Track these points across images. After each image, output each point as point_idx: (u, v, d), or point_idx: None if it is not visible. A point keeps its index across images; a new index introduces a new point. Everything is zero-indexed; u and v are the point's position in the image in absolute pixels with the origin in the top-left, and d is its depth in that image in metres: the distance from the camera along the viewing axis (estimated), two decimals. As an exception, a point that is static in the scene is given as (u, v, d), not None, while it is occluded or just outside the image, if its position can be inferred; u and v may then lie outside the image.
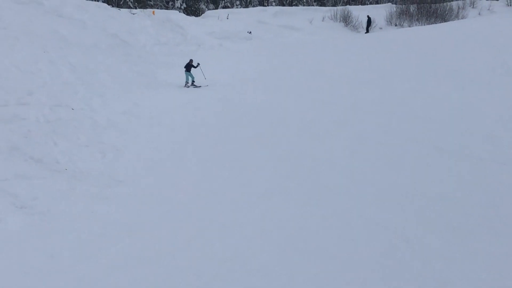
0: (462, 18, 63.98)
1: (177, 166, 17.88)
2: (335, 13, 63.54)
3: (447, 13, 66.78)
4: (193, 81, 30.25)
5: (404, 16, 66.60)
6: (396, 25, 64.02)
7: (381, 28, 61.34)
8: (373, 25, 59.13)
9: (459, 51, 31.62)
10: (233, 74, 31.30)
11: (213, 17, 60.18)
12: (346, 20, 61.51)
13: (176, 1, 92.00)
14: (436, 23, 59.88)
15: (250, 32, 51.11)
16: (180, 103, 26.27)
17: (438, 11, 67.39)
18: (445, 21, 61.74)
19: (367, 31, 54.35)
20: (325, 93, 25.90)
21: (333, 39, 47.91)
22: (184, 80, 30.36)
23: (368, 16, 56.39)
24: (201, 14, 75.69)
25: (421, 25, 62.23)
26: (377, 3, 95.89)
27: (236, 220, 13.36)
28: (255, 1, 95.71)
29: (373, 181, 14.74)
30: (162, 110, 24.88)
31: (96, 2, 48.85)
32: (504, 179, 13.75)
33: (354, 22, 59.47)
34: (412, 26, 62.19)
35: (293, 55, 38.28)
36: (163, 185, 16.20)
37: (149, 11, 56.01)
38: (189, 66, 30.31)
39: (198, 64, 30.41)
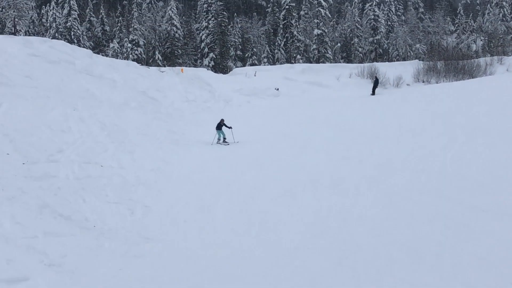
0: (490, 75, 63.78)
1: (205, 224, 17.75)
2: (362, 70, 63.83)
3: (475, 70, 66.69)
4: (224, 138, 30.61)
5: (432, 72, 66.63)
6: (423, 82, 64.04)
7: (408, 85, 61.38)
8: (400, 81, 58.84)
9: (488, 107, 31.40)
10: (261, 131, 31.38)
11: (240, 74, 60.81)
12: (373, 76, 61.68)
13: (204, 59, 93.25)
14: (464, 80, 59.70)
15: (278, 89, 51.45)
16: (209, 160, 26.33)
17: (466, 67, 67.33)
18: (473, 77, 61.58)
19: (373, 92, 49.87)
20: (354, 150, 25.76)
21: (360, 95, 47.94)
22: (216, 137, 30.68)
23: (376, 77, 53.49)
24: (229, 72, 76.61)
25: (449, 81, 62.08)
26: (404, 59, 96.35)
27: (266, 276, 13.14)
28: (282, 59, 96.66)
29: (404, 240, 14.44)
30: (191, 167, 24.93)
31: (126, 61, 49.74)
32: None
33: (381, 79, 59.58)
34: (440, 82, 62.10)
35: (321, 112, 38.32)
36: (192, 243, 16.07)
37: (177, 69, 56.81)
38: (220, 125, 30.69)
39: (231, 127, 30.79)
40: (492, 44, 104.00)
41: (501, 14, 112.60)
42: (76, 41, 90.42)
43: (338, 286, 12.43)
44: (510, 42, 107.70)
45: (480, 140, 23.97)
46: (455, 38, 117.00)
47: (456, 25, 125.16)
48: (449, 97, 35.39)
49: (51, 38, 70.64)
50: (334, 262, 13.59)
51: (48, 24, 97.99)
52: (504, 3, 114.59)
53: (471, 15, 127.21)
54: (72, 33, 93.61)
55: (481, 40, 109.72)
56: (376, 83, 50.48)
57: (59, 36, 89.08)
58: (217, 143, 30.25)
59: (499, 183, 17.85)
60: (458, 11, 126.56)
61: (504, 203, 16.04)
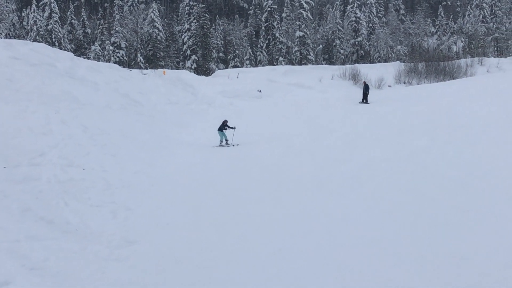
0: (470, 76, 64.37)
1: (190, 226, 17.68)
2: (344, 72, 64.24)
3: (456, 71, 67.30)
4: (226, 141, 30.70)
5: (413, 74, 67.16)
6: (405, 83, 64.48)
7: (390, 86, 61.75)
8: (381, 83, 58.82)
9: (468, 107, 31.62)
10: (244, 133, 31.36)
11: (223, 77, 60.90)
12: (355, 78, 62.13)
13: (186, 61, 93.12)
14: (444, 81, 60.18)
15: (260, 91, 51.50)
16: (193, 162, 26.27)
17: (447, 68, 67.90)
18: (453, 79, 62.10)
19: (365, 100, 44.26)
20: (337, 151, 25.83)
21: (342, 96, 48.05)
22: (218, 139, 30.95)
23: (364, 83, 46.79)
24: (212, 74, 76.61)
25: (430, 82, 62.51)
26: (385, 61, 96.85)
27: (251, 278, 13.09)
28: (265, 61, 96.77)
29: (388, 241, 14.45)
30: (174, 169, 24.85)
31: (108, 64, 49.62)
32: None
33: (363, 80, 59.81)
34: (421, 83, 62.53)
35: (304, 113, 38.41)
36: (176, 245, 15.97)
37: (160, 71, 56.79)
38: (223, 126, 30.90)
39: (234, 127, 31.04)
40: (472, 45, 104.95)
41: (481, 16, 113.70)
42: (57, 44, 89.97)
43: (322, 287, 12.41)
44: (490, 44, 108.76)
45: (461, 140, 24.11)
46: (436, 39, 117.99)
47: (437, 27, 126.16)
48: (430, 98, 35.54)
49: (32, 41, 70.22)
50: (319, 263, 13.54)
51: (29, 27, 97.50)
52: (484, 4, 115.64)
53: (451, 16, 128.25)
54: (53, 35, 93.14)
55: (462, 42, 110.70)
56: (366, 89, 44.60)
57: (40, 39, 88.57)
58: (219, 145, 30.31)
59: (480, 183, 17.94)
60: (438, 13, 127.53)
61: (485, 203, 16.11)
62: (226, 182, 22.72)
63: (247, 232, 16.51)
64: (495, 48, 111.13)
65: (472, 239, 13.66)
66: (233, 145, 29.79)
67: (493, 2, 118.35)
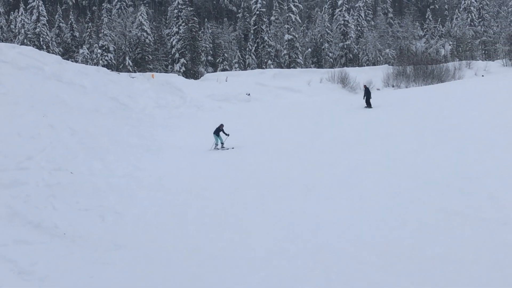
0: (458, 79, 64.65)
1: (178, 230, 17.67)
2: (333, 75, 64.33)
3: (444, 74, 67.56)
4: (222, 144, 30.40)
5: (401, 77, 67.39)
6: (393, 86, 64.70)
7: (378, 89, 61.96)
8: (370, 86, 58.76)
9: (457, 110, 31.80)
10: (233, 136, 31.34)
11: (212, 80, 60.85)
12: (343, 81, 62.24)
13: (175, 65, 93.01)
14: (433, 84, 60.42)
15: (249, 94, 51.54)
16: (181, 166, 26.24)
17: (435, 72, 68.17)
18: (441, 82, 62.37)
19: (369, 105, 40.00)
20: (326, 155, 25.87)
21: (331, 100, 48.13)
22: (213, 142, 30.62)
23: (365, 86, 42.60)
24: (200, 77, 76.54)
25: (418, 86, 62.73)
26: (373, 64, 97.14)
27: (239, 282, 13.12)
28: (253, 64, 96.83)
29: (376, 244, 14.51)
30: (162, 173, 24.82)
31: (96, 67, 49.50)
32: (506, 239, 13.56)
33: (351, 84, 59.96)
34: (409, 87, 62.72)
35: (292, 117, 38.45)
36: (164, 249, 15.96)
37: (148, 74, 56.75)
38: (218, 130, 30.43)
39: (228, 135, 30.67)
40: (460, 48, 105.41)
41: (469, 19, 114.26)
42: (45, 47, 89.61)
43: (310, 290, 12.46)
44: (478, 47, 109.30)
45: (449, 144, 24.24)
46: (424, 43, 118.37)
47: (425, 30, 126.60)
48: (418, 101, 35.68)
49: (20, 44, 69.93)
50: (307, 267, 13.58)
51: (16, 30, 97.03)
52: (472, 8, 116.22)
53: (439, 20, 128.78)
54: (41, 39, 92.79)
55: (450, 45, 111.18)
56: (368, 94, 40.64)
57: (28, 42, 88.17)
58: (214, 148, 30.16)
59: (468, 186, 18.04)
60: (426, 16, 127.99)
61: (474, 205, 16.21)
62: (214, 186, 22.71)
63: (235, 236, 16.52)
64: (483, 52, 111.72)
65: (459, 242, 13.75)
66: (227, 149, 29.61)
67: (481, 5, 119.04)
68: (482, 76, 64.00)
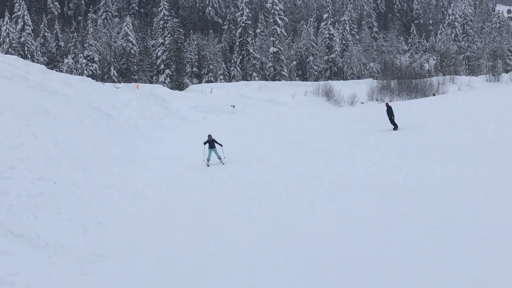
0: (442, 93, 65.18)
1: (160, 241, 17.64)
2: (317, 88, 64.68)
3: (428, 88, 68.07)
4: (220, 159, 28.76)
5: (385, 91, 67.85)
6: (377, 100, 65.10)
7: (362, 103, 62.33)
8: (354, 100, 58.72)
9: (440, 125, 32.03)
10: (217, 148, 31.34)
11: (197, 91, 60.92)
12: (328, 94, 62.55)
13: (160, 76, 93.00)
14: (416, 98, 60.82)
15: (234, 106, 51.64)
16: (164, 177, 26.20)
17: (419, 86, 68.69)
18: (425, 96, 62.82)
19: (395, 125, 34.15)
20: (310, 167, 25.91)
21: (316, 113, 48.27)
22: (205, 157, 28.84)
23: (387, 105, 35.56)
24: (185, 88, 76.60)
25: (402, 99, 63.12)
26: (358, 78, 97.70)
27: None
28: (238, 76, 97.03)
29: (359, 258, 14.52)
30: (146, 184, 24.77)
31: (81, 77, 49.37)
32: (488, 254, 13.64)
33: (336, 97, 60.25)
34: (393, 100, 63.09)
35: (276, 129, 38.55)
36: (146, 261, 15.92)
37: (133, 85, 56.61)
38: (212, 143, 28.67)
39: (221, 145, 28.96)
40: (444, 63, 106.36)
41: (453, 34, 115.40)
42: (30, 57, 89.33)
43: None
44: (462, 62, 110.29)
45: (431, 158, 24.37)
46: (408, 57, 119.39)
47: (409, 45, 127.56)
48: (401, 115, 35.85)
49: (4, 53, 69.63)
50: (290, 279, 13.60)
51: (1, 39, 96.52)
52: (456, 23, 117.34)
53: (424, 35, 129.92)
54: (26, 48, 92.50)
55: (434, 60, 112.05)
56: (391, 113, 34.46)
57: (13, 51, 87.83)
58: (207, 165, 28.55)
59: (450, 200, 18.13)
60: (411, 31, 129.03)
61: (455, 219, 16.30)
62: (197, 197, 22.69)
63: (217, 248, 16.52)
64: (467, 67, 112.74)
65: (441, 256, 13.81)
66: (224, 164, 28.63)
67: (465, 21, 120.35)
68: (434, 95, 63.35)
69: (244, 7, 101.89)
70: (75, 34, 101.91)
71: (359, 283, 12.95)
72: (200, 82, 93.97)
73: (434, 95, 63.32)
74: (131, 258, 16.20)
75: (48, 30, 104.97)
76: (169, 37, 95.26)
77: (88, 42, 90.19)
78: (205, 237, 17.61)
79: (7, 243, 16.05)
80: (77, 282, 14.32)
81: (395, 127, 33.92)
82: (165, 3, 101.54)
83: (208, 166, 28.32)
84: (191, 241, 17.31)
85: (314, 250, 15.51)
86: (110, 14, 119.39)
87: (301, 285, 13.22)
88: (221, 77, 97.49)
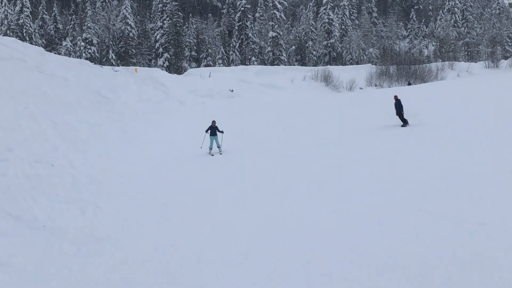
0: (441, 79, 65.06)
1: (158, 225, 17.66)
2: (316, 73, 64.49)
3: (427, 74, 67.92)
4: (219, 148, 27.94)
5: (384, 76, 67.68)
6: (376, 86, 64.97)
7: (361, 88, 62.22)
8: (353, 85, 58.48)
9: (438, 110, 31.98)
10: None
11: (195, 75, 60.66)
12: (326, 79, 62.39)
13: (158, 59, 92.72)
14: (415, 84, 60.70)
15: (232, 91, 51.54)
16: (162, 161, 26.18)
17: (418, 72, 68.52)
18: (424, 82, 62.67)
19: (405, 121, 30.16)
20: (308, 153, 25.88)
21: (314, 98, 48.18)
22: (208, 146, 27.82)
23: (396, 98, 31.04)
24: (184, 72, 76.38)
25: (401, 85, 62.98)
26: (357, 63, 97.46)
27: (215, 280, 13.14)
28: (237, 60, 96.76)
29: (355, 243, 14.53)
30: (144, 167, 24.77)
31: (79, 60, 49.12)
32: (485, 240, 13.66)
33: (334, 82, 60.14)
34: (392, 86, 62.94)
35: (275, 114, 38.47)
36: (143, 244, 15.95)
37: (131, 68, 56.45)
38: (214, 130, 27.60)
39: (222, 132, 27.92)
40: (443, 49, 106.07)
41: (452, 20, 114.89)
42: (28, 39, 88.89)
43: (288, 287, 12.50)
44: (461, 48, 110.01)
45: (429, 144, 24.37)
46: (408, 43, 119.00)
47: (409, 30, 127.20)
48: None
49: (2, 35, 69.35)
50: (287, 265, 13.62)
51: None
52: (456, 9, 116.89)
53: (423, 20, 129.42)
54: (24, 30, 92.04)
55: (433, 46, 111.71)
56: (399, 107, 30.42)
57: (11, 33, 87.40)
58: (211, 154, 27.62)
59: (446, 186, 18.14)
60: (410, 16, 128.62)
61: (451, 206, 16.29)
62: (194, 182, 22.68)
63: (214, 233, 16.53)
64: (466, 53, 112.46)
65: (438, 242, 13.83)
66: (221, 153, 28.22)
67: (465, 7, 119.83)
68: (409, 84, 61.79)
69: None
70: (73, 16, 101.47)
71: (356, 267, 12.99)
72: (198, 66, 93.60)
73: (409, 84, 62.44)
74: (128, 241, 16.23)
75: (46, 13, 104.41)
76: (168, 21, 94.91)
77: (87, 25, 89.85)
78: (202, 222, 17.60)
79: (5, 225, 16.08)
80: (74, 264, 14.36)
81: (404, 123, 30.07)
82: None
83: (212, 155, 27.44)
84: (188, 225, 17.33)
85: (311, 236, 15.52)
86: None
87: (298, 270, 13.25)
88: (220, 61, 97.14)
